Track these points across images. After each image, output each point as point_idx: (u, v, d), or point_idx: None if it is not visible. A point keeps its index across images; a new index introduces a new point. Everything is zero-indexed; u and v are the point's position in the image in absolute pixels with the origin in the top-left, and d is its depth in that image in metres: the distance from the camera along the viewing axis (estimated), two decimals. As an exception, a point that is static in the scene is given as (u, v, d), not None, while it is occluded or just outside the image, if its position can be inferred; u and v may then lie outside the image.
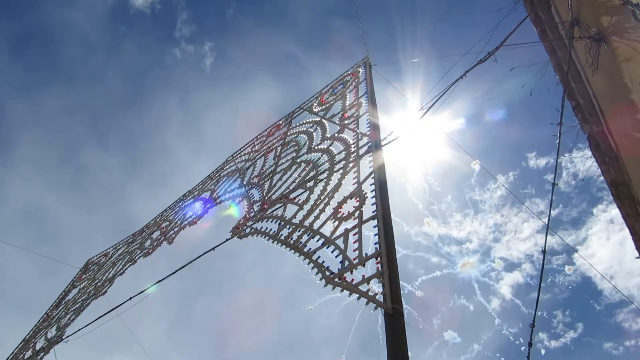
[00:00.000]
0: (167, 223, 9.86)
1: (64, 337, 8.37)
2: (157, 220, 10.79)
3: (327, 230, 5.10)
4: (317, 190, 5.92)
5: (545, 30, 6.66)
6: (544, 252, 6.83)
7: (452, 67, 5.92)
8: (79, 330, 8.20)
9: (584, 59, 5.98)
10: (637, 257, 8.97)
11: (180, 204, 10.48)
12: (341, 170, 5.89)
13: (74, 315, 8.95)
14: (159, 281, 7.43)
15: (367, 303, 3.83)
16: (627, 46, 4.54)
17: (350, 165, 5.83)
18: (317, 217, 5.40)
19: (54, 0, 33.38)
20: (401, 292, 3.89)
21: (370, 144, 5.92)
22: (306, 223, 5.44)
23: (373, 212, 4.73)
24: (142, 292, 7.53)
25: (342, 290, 4.14)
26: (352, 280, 4.17)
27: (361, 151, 5.95)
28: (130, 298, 7.69)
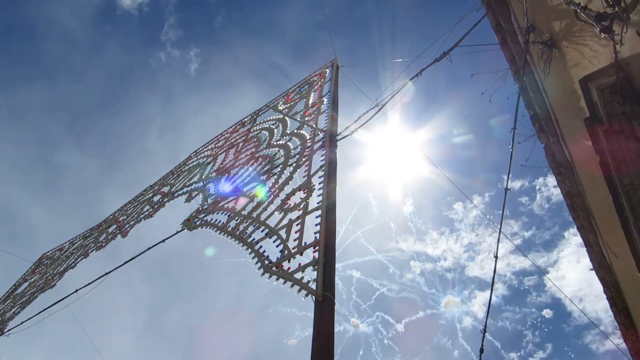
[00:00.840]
0: (125, 217, 9.62)
1: (5, 330, 8.04)
2: (116, 214, 10.53)
3: (273, 221, 5.03)
4: (269, 183, 5.86)
5: (505, 38, 6.76)
6: (495, 257, 6.87)
7: (406, 67, 5.94)
8: (22, 323, 7.89)
9: (540, 66, 6.08)
10: (591, 269, 9.11)
11: (140, 198, 10.26)
12: (294, 164, 5.84)
13: (19, 309, 8.63)
14: (106, 274, 7.22)
15: (299, 290, 3.77)
16: (575, 50, 4.61)
17: (304, 159, 5.79)
18: (264, 209, 5.33)
19: (38, -6, 32.85)
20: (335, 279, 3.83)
21: (324, 139, 5.88)
22: (254, 215, 5.36)
23: (318, 202, 4.69)
24: (89, 284, 7.30)
25: (277, 279, 4.06)
26: (289, 268, 4.11)
27: (316, 146, 5.92)
28: (77, 290, 7.44)
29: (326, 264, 3.89)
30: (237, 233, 5.21)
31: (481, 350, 6.97)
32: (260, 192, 5.79)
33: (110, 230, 9.46)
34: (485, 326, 7.10)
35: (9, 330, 8.01)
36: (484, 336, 7.00)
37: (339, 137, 6.01)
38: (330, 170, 5.22)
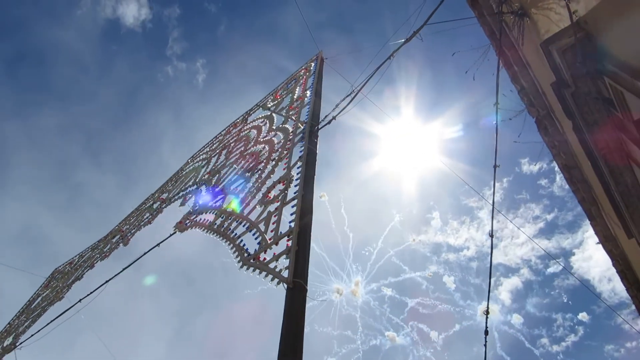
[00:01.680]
0: (127, 226, 9.74)
1: (17, 344, 8.20)
2: (120, 225, 10.67)
3: (255, 215, 5.03)
4: (253, 179, 5.86)
5: (483, 13, 6.64)
6: (491, 235, 6.76)
7: (378, 52, 5.87)
8: (32, 336, 8.04)
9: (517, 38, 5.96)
10: (597, 243, 8.89)
11: (141, 207, 10.37)
12: (277, 158, 5.83)
13: (30, 322, 8.79)
14: (106, 281, 7.31)
15: (272, 279, 3.76)
16: (543, 16, 4.49)
17: (285, 152, 5.77)
18: (247, 204, 5.34)
19: (45, 21, 33.46)
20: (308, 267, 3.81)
21: (304, 130, 5.86)
22: (238, 211, 5.37)
23: (294, 192, 4.67)
24: (90, 293, 7.40)
25: (254, 270, 4.06)
26: (265, 259, 4.10)
27: (297, 138, 5.90)
28: (80, 300, 7.55)
29: (299, 251, 3.87)
30: (222, 230, 5.22)
31: (486, 332, 6.88)
32: (245, 188, 5.80)
33: (114, 240, 9.58)
34: (488, 309, 7.00)
35: (20, 343, 8.16)
36: (487, 318, 6.91)
37: (320, 127, 5.98)
38: (309, 160, 5.20)
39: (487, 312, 6.89)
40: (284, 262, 3.86)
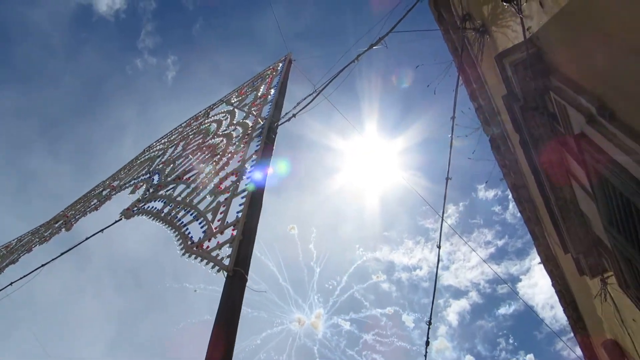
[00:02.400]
0: (73, 212, 9.37)
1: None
2: (65, 210, 10.25)
3: (204, 205, 4.96)
4: (207, 169, 5.77)
5: (448, 29, 6.83)
6: (438, 246, 6.88)
7: (344, 54, 5.94)
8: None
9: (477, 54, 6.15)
10: (539, 263, 9.21)
11: (90, 193, 10.02)
12: (233, 151, 5.77)
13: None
14: (42, 265, 6.99)
15: (213, 266, 3.69)
16: (502, 33, 4.66)
17: (242, 145, 5.72)
18: (198, 194, 5.25)
19: (15, -2, 32.05)
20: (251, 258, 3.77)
21: (263, 126, 5.84)
22: (188, 200, 5.27)
23: (246, 184, 4.63)
24: (24, 277, 7.06)
25: (195, 258, 3.98)
26: (208, 247, 4.04)
27: (255, 133, 5.86)
28: (11, 283, 7.20)
29: (244, 241, 3.83)
30: (169, 218, 5.10)
31: (427, 343, 6.97)
32: (197, 178, 5.71)
33: (56, 225, 9.20)
34: (430, 319, 7.10)
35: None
36: (428, 329, 7.01)
37: (279, 123, 5.96)
38: (265, 153, 5.18)
39: (429, 323, 7.00)
40: (227, 250, 3.81)
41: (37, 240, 8.75)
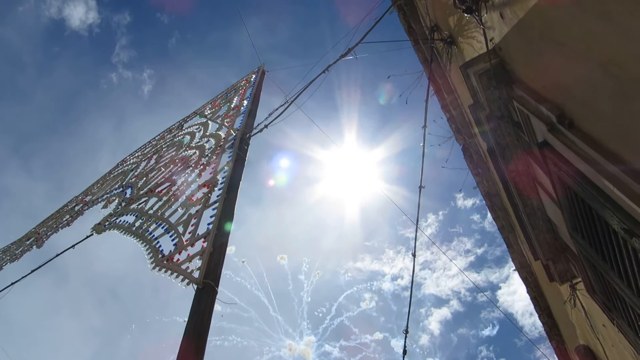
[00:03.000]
0: (44, 229, 9.16)
1: None
2: (37, 227, 10.01)
3: (175, 218, 4.90)
4: (179, 182, 5.71)
5: (418, 40, 6.95)
6: (413, 255, 6.92)
7: (314, 65, 5.99)
8: None
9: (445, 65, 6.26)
10: (514, 270, 9.34)
11: (63, 209, 9.81)
12: (205, 163, 5.73)
13: None
14: (12, 283, 6.79)
15: (182, 279, 3.64)
16: (468, 44, 4.76)
17: (214, 157, 5.69)
18: (170, 206, 5.18)
19: (-18, 13, 31.39)
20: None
21: (235, 137, 5.82)
22: (160, 213, 5.20)
23: (217, 196, 4.60)
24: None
25: (165, 271, 3.92)
26: (178, 260, 3.98)
27: (227, 145, 5.84)
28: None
29: (214, 253, 3.79)
30: (140, 232, 5.02)
31: (404, 352, 6.98)
32: (170, 191, 5.64)
33: (28, 242, 8.97)
34: (407, 327, 7.12)
35: None
36: (405, 337, 7.02)
37: (252, 134, 5.95)
38: (237, 164, 5.16)
39: (406, 331, 7.02)
40: (197, 263, 3.76)
41: (8, 258, 8.50)
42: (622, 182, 2.44)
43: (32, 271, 6.61)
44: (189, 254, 3.94)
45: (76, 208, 8.74)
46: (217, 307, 3.69)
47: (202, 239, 3.99)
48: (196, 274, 3.60)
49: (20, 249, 8.88)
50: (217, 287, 3.52)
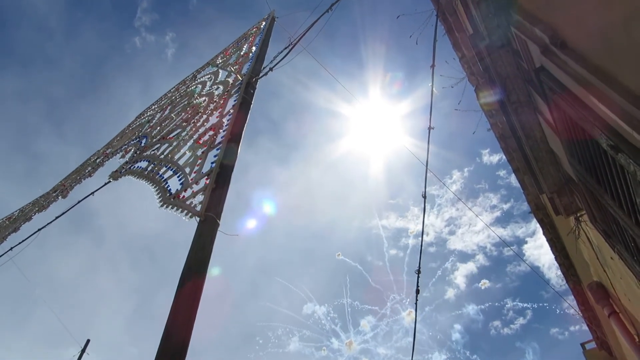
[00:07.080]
0: (69, 181, 9.53)
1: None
2: (64, 180, 10.43)
3: (183, 161, 5.04)
4: (189, 128, 5.83)
5: (428, -23, 6.71)
6: (424, 196, 6.96)
7: (317, 5, 5.88)
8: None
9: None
10: (530, 212, 9.28)
11: (86, 162, 10.16)
12: (212, 108, 5.82)
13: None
14: (39, 230, 7.18)
15: (186, 213, 3.80)
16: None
17: (222, 102, 5.76)
18: (178, 150, 5.33)
19: (8, -19, 31.42)
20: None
21: (241, 82, 5.85)
22: (169, 157, 5.36)
23: (222, 137, 4.70)
24: (23, 241, 7.26)
25: (171, 207, 4.08)
26: (184, 197, 4.13)
27: (234, 89, 5.89)
28: (12, 248, 7.42)
29: (217, 189, 3.93)
30: (151, 175, 5.20)
31: (417, 291, 7.15)
32: (179, 136, 5.78)
33: (54, 194, 9.37)
34: (419, 268, 7.26)
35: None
36: (418, 277, 7.17)
37: (259, 77, 5.97)
38: (242, 107, 5.22)
39: (418, 272, 7.16)
40: (200, 198, 3.91)
41: (37, 209, 8.93)
42: (607, 98, 2.40)
43: (57, 217, 6.96)
44: (193, 191, 4.09)
45: (97, 160, 9.03)
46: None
47: (206, 177, 4.12)
48: (199, 209, 3.75)
49: (48, 201, 9.30)
50: (219, 220, 3.66)
